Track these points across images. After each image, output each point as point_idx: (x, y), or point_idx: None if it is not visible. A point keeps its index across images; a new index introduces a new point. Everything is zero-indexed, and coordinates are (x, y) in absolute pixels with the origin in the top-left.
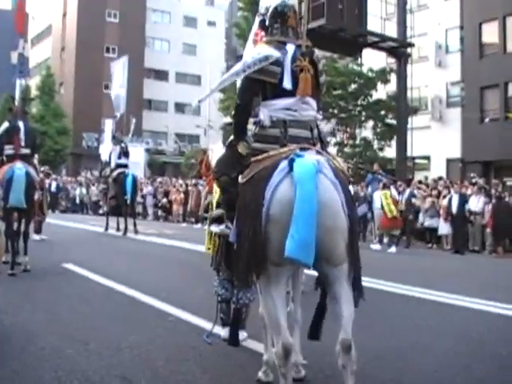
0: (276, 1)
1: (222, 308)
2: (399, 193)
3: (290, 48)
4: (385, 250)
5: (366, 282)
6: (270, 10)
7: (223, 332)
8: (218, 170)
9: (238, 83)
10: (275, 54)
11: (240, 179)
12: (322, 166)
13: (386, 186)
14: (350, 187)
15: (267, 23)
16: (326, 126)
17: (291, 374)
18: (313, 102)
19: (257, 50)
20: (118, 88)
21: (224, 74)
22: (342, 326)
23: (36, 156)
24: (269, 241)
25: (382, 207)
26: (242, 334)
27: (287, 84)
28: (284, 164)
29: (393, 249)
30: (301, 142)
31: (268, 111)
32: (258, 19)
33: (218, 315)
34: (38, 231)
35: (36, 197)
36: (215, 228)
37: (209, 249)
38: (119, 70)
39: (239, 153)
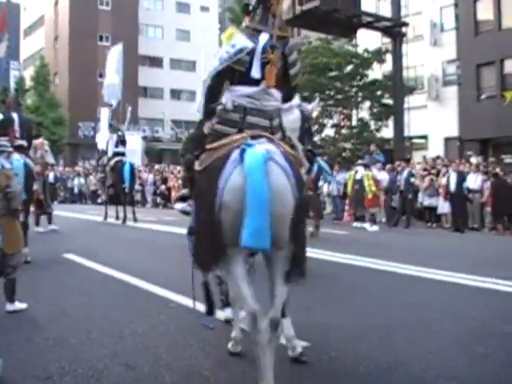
0: None
1: (222, 289)
2: (397, 172)
3: (263, 38)
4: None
5: (350, 259)
6: None
7: (223, 313)
8: (184, 148)
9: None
10: (248, 45)
11: (196, 166)
12: (273, 153)
13: (367, 167)
14: (303, 171)
15: (250, 8)
16: (313, 105)
17: (264, 340)
18: (277, 93)
19: (232, 41)
20: (112, 76)
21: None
22: (274, 305)
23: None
24: (223, 228)
25: (364, 187)
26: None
27: (255, 73)
28: (236, 154)
29: (374, 227)
30: (258, 129)
31: (231, 96)
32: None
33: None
34: (37, 223)
35: (35, 187)
36: (178, 206)
37: None
38: (113, 57)
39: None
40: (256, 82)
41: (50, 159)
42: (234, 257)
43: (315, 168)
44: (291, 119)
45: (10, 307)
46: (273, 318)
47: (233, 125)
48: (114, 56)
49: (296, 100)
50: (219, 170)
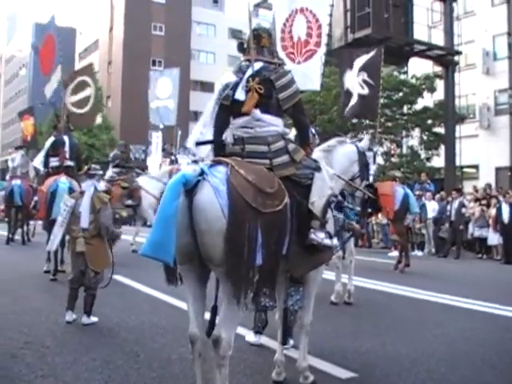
0: (253, 25)
1: (260, 316)
2: (447, 202)
3: (256, 66)
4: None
5: (399, 289)
6: (248, 34)
7: (253, 338)
8: None
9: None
10: (232, 79)
11: None
12: (210, 174)
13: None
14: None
15: (245, 45)
16: (365, 142)
17: (197, 362)
18: (270, 119)
19: (222, 79)
20: (166, 100)
21: None
22: (217, 323)
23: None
24: None
25: None
26: (290, 342)
27: (239, 96)
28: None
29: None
30: (257, 156)
31: (230, 130)
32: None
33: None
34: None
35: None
36: None
37: None
38: (167, 81)
39: None
40: (245, 113)
41: None
42: (182, 273)
43: (400, 198)
44: (345, 151)
45: (86, 320)
46: (212, 336)
47: (235, 156)
48: (168, 80)
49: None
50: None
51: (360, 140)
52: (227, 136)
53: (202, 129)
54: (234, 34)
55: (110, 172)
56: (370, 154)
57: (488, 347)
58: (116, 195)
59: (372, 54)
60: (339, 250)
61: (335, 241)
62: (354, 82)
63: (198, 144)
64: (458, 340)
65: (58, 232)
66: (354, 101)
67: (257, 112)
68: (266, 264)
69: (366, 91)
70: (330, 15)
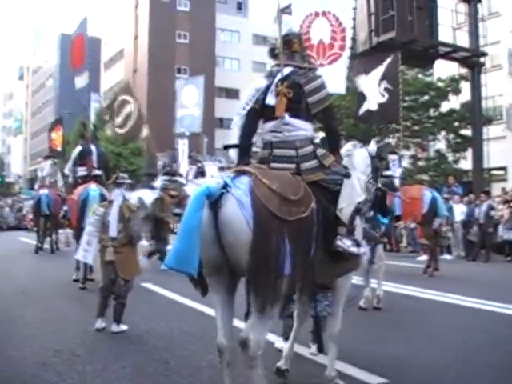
0: (283, 31)
1: (288, 322)
2: (475, 205)
3: (285, 71)
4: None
5: (429, 293)
6: (279, 39)
7: (280, 343)
8: None
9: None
10: (262, 84)
11: None
12: (233, 186)
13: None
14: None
15: (276, 51)
16: (372, 146)
17: (226, 371)
18: (299, 123)
19: (253, 84)
20: (192, 108)
21: None
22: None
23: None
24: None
25: None
26: (313, 347)
27: (270, 101)
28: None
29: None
30: (284, 161)
31: (259, 135)
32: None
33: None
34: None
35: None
36: None
37: None
38: (193, 89)
39: None
40: (274, 117)
41: None
42: (210, 285)
43: (428, 201)
44: (362, 154)
45: (115, 328)
46: (238, 337)
47: (264, 161)
48: (193, 88)
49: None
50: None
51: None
52: (257, 140)
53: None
54: (265, 40)
55: (160, 180)
56: (394, 157)
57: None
58: (166, 204)
59: (389, 60)
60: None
61: (363, 249)
62: (372, 89)
63: (226, 147)
64: (488, 345)
65: (90, 242)
66: (372, 107)
67: (286, 116)
68: (295, 272)
69: (385, 99)
70: (354, 19)
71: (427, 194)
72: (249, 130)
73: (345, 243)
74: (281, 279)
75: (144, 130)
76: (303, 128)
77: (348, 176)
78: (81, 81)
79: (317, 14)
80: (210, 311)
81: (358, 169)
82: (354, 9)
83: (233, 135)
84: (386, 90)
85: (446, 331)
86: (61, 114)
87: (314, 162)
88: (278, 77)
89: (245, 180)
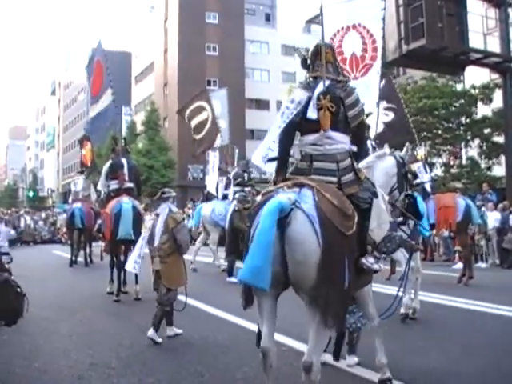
0: (315, 42)
1: (352, 336)
2: (510, 212)
3: (319, 87)
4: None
5: (468, 303)
6: (311, 50)
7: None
8: None
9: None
10: (304, 97)
11: None
12: (302, 201)
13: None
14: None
15: (308, 62)
16: (404, 152)
17: (269, 372)
18: (340, 137)
19: (291, 96)
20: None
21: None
22: (307, 349)
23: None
24: None
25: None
26: (354, 359)
27: (311, 115)
28: (263, 201)
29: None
30: (324, 174)
31: (298, 147)
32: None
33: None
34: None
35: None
36: None
37: None
38: (216, 103)
39: None
40: (315, 130)
41: None
42: (257, 301)
43: (462, 209)
44: (384, 166)
45: (150, 333)
46: (303, 362)
47: (302, 172)
48: (218, 100)
49: (386, 149)
50: (254, 215)
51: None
52: (294, 152)
53: (272, 144)
54: (294, 50)
55: (233, 191)
56: (417, 165)
57: None
58: (242, 215)
59: (383, 83)
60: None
61: (382, 265)
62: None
63: (270, 160)
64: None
65: (141, 254)
66: (379, 129)
67: (328, 129)
68: (349, 285)
69: (390, 117)
70: (383, 28)
71: (461, 201)
72: (287, 142)
73: (369, 261)
74: (347, 293)
75: (218, 138)
76: (343, 141)
77: (376, 195)
78: (96, 108)
79: (348, 28)
80: (244, 323)
81: (378, 181)
82: (383, 19)
83: (262, 148)
84: (388, 109)
85: (482, 341)
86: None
87: (351, 175)
88: (319, 89)
89: (309, 193)
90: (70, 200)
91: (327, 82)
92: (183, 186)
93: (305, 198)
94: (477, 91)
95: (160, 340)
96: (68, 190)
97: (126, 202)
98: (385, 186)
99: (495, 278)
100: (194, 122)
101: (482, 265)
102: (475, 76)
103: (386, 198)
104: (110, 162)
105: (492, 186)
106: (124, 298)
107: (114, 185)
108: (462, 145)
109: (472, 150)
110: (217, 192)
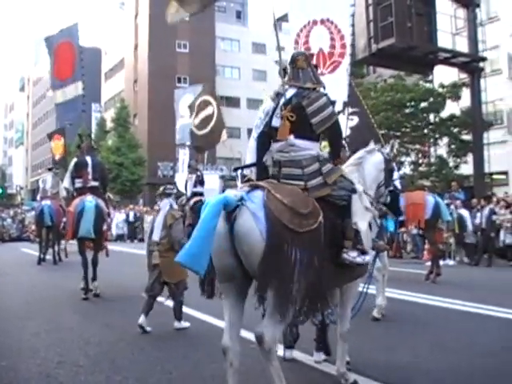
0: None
1: (291, 331)
2: (477, 210)
3: (289, 93)
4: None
5: (434, 300)
6: (289, 59)
7: (287, 353)
8: None
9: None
10: (270, 106)
11: None
12: (248, 199)
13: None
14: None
15: (287, 70)
16: (389, 149)
17: (230, 371)
18: (303, 143)
19: (262, 106)
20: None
21: None
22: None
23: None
24: None
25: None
26: (321, 356)
27: (275, 123)
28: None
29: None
30: (292, 178)
31: (269, 153)
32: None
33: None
34: None
35: (104, 227)
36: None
37: None
38: (191, 98)
39: None
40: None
41: None
42: (222, 290)
43: (431, 206)
44: (374, 161)
45: (177, 325)
46: (255, 333)
47: (274, 178)
48: (191, 98)
49: (372, 145)
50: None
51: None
52: (267, 159)
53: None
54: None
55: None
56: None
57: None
58: None
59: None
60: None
61: (368, 257)
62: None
63: (244, 167)
64: (494, 351)
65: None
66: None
67: (291, 138)
68: (306, 279)
69: (355, 122)
70: (352, 25)
71: (430, 199)
72: (262, 151)
73: (350, 255)
74: (292, 285)
75: (224, 135)
76: (308, 148)
77: (355, 191)
78: (67, 93)
79: (315, 22)
80: (213, 320)
81: (369, 176)
82: (353, 15)
83: (249, 158)
84: (352, 113)
85: (451, 337)
86: (62, 125)
87: (319, 179)
88: (282, 100)
89: (259, 194)
90: (38, 197)
91: (292, 91)
92: (153, 183)
93: (253, 198)
94: (445, 90)
95: (188, 324)
96: (36, 188)
97: (90, 200)
98: (375, 180)
99: (463, 275)
100: (198, 118)
101: (450, 262)
102: (444, 75)
103: (371, 192)
104: (74, 160)
105: (460, 184)
106: (92, 295)
107: (78, 183)
108: (431, 143)
109: (441, 149)
110: (186, 190)
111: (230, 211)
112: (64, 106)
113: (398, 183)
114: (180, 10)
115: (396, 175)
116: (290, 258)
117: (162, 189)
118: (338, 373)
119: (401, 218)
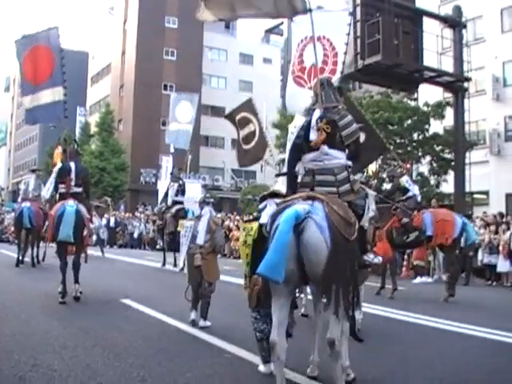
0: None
1: (262, 345)
2: None
3: (316, 113)
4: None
5: (410, 316)
6: (318, 82)
7: (263, 368)
8: None
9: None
10: (302, 122)
11: None
12: (313, 212)
13: None
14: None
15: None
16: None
17: (277, 363)
18: (336, 153)
19: (294, 122)
20: (186, 124)
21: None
22: (329, 329)
23: None
24: None
25: None
26: (269, 368)
27: (312, 136)
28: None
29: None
30: (325, 185)
31: (302, 164)
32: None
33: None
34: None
35: (85, 233)
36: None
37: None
38: (188, 106)
39: None
40: (315, 149)
41: None
42: (274, 292)
43: (460, 225)
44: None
45: (202, 323)
46: (327, 339)
47: (306, 185)
48: (188, 105)
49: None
50: (274, 219)
51: None
52: (299, 168)
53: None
54: (252, 59)
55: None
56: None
57: (501, 376)
58: None
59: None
60: None
61: (380, 258)
62: None
63: (278, 175)
64: (467, 367)
65: (183, 250)
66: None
67: (325, 147)
68: (354, 280)
69: (363, 137)
70: (347, 44)
71: (457, 218)
72: (294, 162)
73: (369, 257)
74: (349, 286)
75: (267, 152)
76: (339, 157)
77: (367, 196)
78: (33, 101)
79: (312, 38)
80: (190, 329)
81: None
82: (348, 34)
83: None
84: (359, 129)
85: (424, 354)
86: (46, 128)
87: (347, 186)
88: (316, 115)
89: (319, 206)
90: (19, 199)
91: (322, 109)
92: (135, 189)
93: (317, 211)
94: (429, 108)
95: (209, 323)
96: (17, 189)
97: (71, 205)
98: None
99: (440, 293)
100: (243, 132)
101: (428, 279)
102: (429, 94)
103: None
104: (59, 165)
105: (440, 202)
106: (69, 299)
107: (61, 189)
108: (413, 161)
109: (422, 167)
110: (166, 197)
111: (298, 223)
112: (37, 112)
113: (419, 198)
114: (206, 11)
115: (416, 189)
116: (345, 262)
117: (202, 197)
118: (342, 367)
119: (429, 233)
